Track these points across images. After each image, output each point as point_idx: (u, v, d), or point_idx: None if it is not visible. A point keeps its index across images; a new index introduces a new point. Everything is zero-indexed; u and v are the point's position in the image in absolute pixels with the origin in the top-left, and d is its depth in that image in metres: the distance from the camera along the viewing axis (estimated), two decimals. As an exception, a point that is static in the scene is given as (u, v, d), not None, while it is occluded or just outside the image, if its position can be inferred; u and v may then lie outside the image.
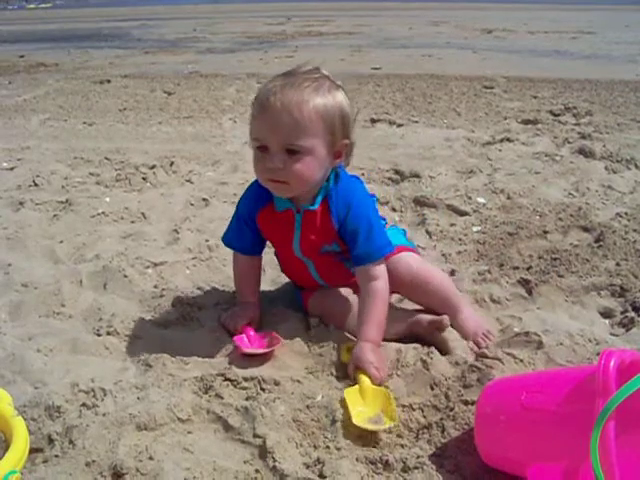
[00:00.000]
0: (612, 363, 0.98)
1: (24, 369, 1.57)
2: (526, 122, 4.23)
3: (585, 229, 2.38)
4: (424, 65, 6.69)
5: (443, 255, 2.26)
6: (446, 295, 1.73)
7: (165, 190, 3.02)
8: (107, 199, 2.85)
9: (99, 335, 1.76)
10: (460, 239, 2.39)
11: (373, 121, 4.33)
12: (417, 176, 3.09)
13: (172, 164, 3.32)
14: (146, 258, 2.20)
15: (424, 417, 1.39)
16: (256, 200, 1.70)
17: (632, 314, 1.81)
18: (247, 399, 1.43)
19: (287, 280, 2.00)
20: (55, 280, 2.04)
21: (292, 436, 1.32)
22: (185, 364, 1.58)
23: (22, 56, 8.35)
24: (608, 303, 1.90)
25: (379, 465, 1.24)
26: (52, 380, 1.52)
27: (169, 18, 15.40)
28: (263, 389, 1.46)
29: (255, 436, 1.32)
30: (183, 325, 1.82)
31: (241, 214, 1.76)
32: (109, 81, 6.07)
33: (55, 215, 2.65)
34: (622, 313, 1.84)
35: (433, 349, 1.59)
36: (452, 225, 2.53)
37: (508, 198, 2.77)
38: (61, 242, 2.38)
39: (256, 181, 1.70)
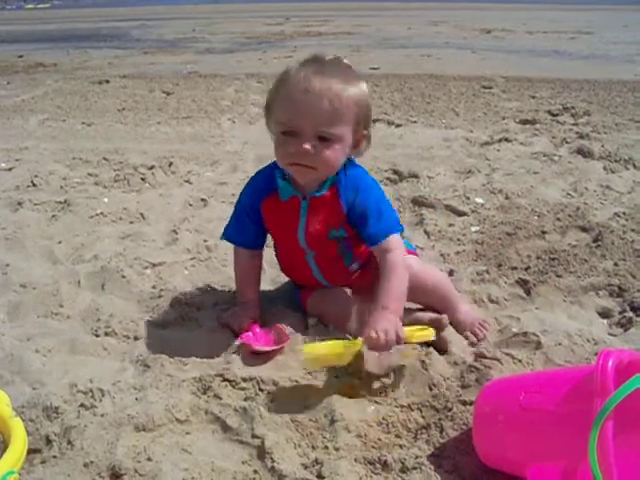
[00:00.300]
0: (610, 363, 0.99)
1: (22, 369, 1.57)
2: (524, 122, 4.23)
3: (583, 229, 2.38)
4: (423, 65, 6.69)
5: (441, 255, 2.26)
6: (444, 294, 1.74)
7: (164, 190, 3.01)
8: (105, 199, 2.85)
9: (97, 336, 1.76)
10: (458, 239, 2.39)
11: (372, 121, 4.32)
12: (415, 176, 3.09)
13: (171, 164, 3.32)
14: (144, 258, 2.20)
15: (422, 417, 1.39)
16: (260, 190, 1.71)
17: (630, 314, 1.81)
18: (245, 400, 1.43)
19: (287, 280, 2.00)
20: (53, 280, 2.04)
21: (290, 436, 1.32)
22: (183, 365, 1.58)
23: (21, 56, 8.34)
24: (606, 303, 1.90)
25: (377, 465, 1.24)
26: (50, 381, 1.52)
27: (168, 18, 15.39)
28: (261, 389, 1.46)
29: (253, 436, 1.32)
30: (181, 325, 1.82)
31: (243, 206, 1.76)
32: (108, 81, 6.06)
33: (53, 215, 2.65)
34: (620, 313, 1.85)
35: (432, 349, 1.59)
36: (450, 225, 2.53)
37: (506, 198, 2.77)
38: (59, 242, 2.38)
39: (259, 173, 1.73)
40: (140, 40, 10.50)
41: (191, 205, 2.80)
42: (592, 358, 1.57)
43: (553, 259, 2.14)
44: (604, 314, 1.87)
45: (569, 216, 2.50)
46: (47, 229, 2.52)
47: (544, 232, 2.37)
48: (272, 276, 2.10)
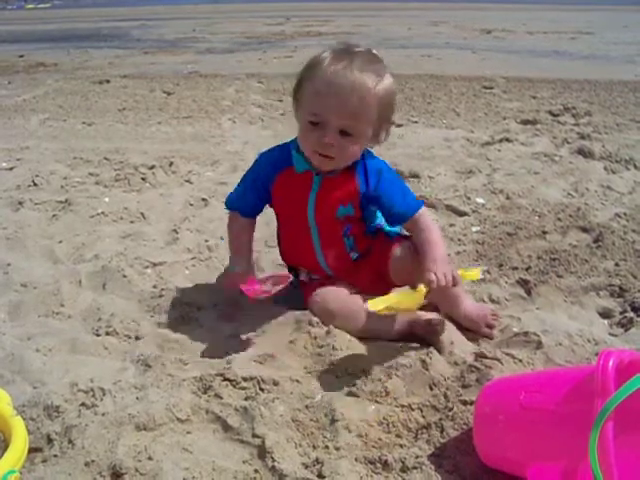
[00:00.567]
0: (611, 363, 0.99)
1: (23, 369, 1.57)
2: (525, 122, 4.23)
3: (584, 229, 2.38)
4: (423, 65, 6.68)
5: (442, 255, 2.26)
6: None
7: (164, 190, 3.01)
8: (106, 199, 2.85)
9: (98, 335, 1.76)
10: (459, 239, 2.39)
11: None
12: (416, 176, 3.09)
13: (171, 164, 3.32)
14: (145, 258, 2.20)
15: (423, 417, 1.39)
16: (275, 164, 1.76)
17: (631, 314, 1.81)
18: (246, 399, 1.43)
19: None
20: (54, 280, 2.04)
21: (291, 436, 1.33)
22: (184, 364, 1.58)
23: (21, 56, 8.34)
24: (607, 303, 1.90)
25: (378, 465, 1.24)
26: (51, 380, 1.52)
27: (168, 18, 15.38)
28: (262, 389, 1.46)
29: (254, 436, 1.32)
30: (182, 325, 1.82)
31: (257, 175, 1.79)
32: (108, 81, 6.06)
33: (54, 215, 2.65)
34: (621, 313, 1.85)
35: (432, 349, 1.59)
36: (451, 225, 2.53)
37: (507, 198, 2.77)
38: (60, 242, 2.38)
39: (275, 148, 1.79)
40: (141, 40, 10.49)
41: (192, 205, 2.80)
42: (592, 358, 1.57)
43: (554, 259, 2.14)
44: (605, 314, 1.87)
45: (570, 216, 2.50)
46: (48, 229, 2.52)
47: (545, 232, 2.37)
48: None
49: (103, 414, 1.37)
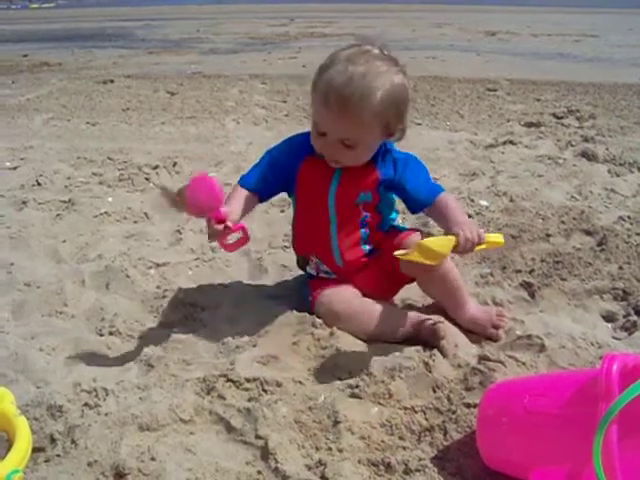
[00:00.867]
0: (615, 367, 0.98)
1: (27, 368, 1.57)
2: (529, 125, 4.23)
3: (588, 232, 2.38)
4: (427, 67, 6.68)
5: (446, 257, 2.26)
6: (458, 285, 1.76)
7: (168, 190, 3.01)
8: (110, 199, 2.86)
9: (101, 335, 1.76)
10: (463, 241, 2.38)
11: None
12: (420, 178, 3.09)
13: (175, 164, 3.32)
14: (149, 258, 2.20)
15: (426, 420, 1.39)
16: (299, 150, 1.75)
17: (635, 318, 1.81)
18: (249, 400, 1.43)
19: (290, 279, 2.00)
20: (58, 279, 2.05)
21: (294, 437, 1.32)
22: (187, 365, 1.58)
23: (25, 55, 8.35)
24: (611, 307, 1.90)
25: (381, 467, 1.24)
26: (54, 379, 1.52)
27: (173, 18, 15.41)
28: (265, 390, 1.46)
29: (257, 437, 1.32)
30: (185, 326, 1.82)
31: (275, 160, 1.79)
32: (112, 81, 6.07)
33: (58, 215, 2.66)
34: (625, 317, 1.84)
35: (436, 351, 1.59)
36: (455, 227, 2.52)
37: (511, 201, 2.77)
38: (64, 242, 2.39)
39: (295, 136, 1.80)
40: (145, 40, 10.51)
41: (195, 205, 2.80)
42: (596, 361, 1.57)
43: (557, 262, 2.13)
44: (608, 317, 1.87)
45: (574, 219, 2.50)
46: (51, 228, 2.53)
47: (548, 235, 2.36)
48: (275, 277, 2.10)
49: (106, 414, 1.37)
